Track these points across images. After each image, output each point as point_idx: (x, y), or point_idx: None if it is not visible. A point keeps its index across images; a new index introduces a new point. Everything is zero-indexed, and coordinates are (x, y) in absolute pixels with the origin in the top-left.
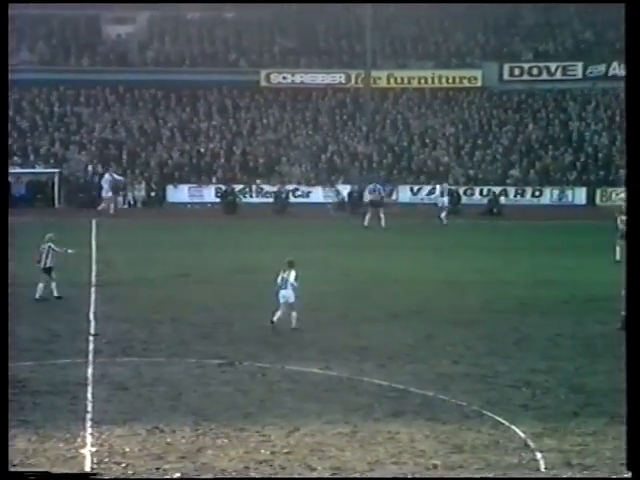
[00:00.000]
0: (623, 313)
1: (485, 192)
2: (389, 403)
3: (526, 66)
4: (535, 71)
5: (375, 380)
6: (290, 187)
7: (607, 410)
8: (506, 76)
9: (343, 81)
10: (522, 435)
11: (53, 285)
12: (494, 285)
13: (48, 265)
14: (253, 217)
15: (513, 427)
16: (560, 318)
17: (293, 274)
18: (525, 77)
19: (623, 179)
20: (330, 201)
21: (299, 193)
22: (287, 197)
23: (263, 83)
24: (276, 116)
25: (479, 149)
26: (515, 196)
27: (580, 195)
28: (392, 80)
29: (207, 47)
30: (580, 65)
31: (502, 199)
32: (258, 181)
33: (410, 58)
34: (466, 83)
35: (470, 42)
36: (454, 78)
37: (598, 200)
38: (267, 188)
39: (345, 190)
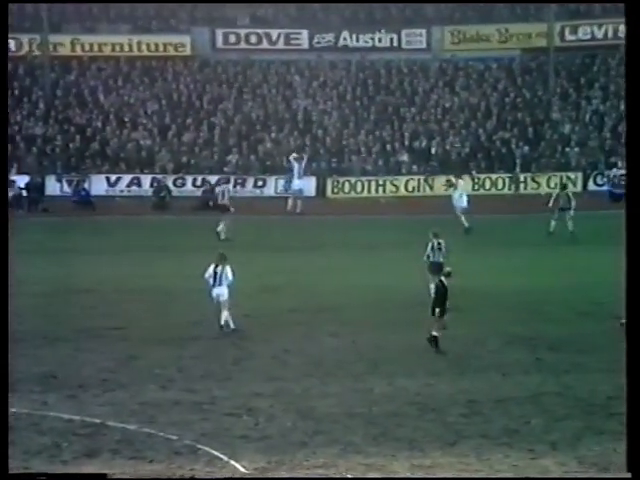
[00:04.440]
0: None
1: (199, 182)
2: (81, 441)
3: (242, 32)
4: (253, 39)
5: (63, 415)
6: None
7: (339, 438)
8: (219, 44)
9: (13, 48)
10: (243, 471)
11: None
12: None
13: None
14: None
15: (233, 462)
16: (287, 331)
17: (229, 269)
18: (242, 45)
19: (357, 167)
20: None
21: None
22: None
23: None
24: None
25: (190, 130)
26: (234, 186)
27: (309, 185)
28: (77, 47)
29: None
30: (305, 33)
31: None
32: None
33: (100, 21)
34: (172, 51)
35: (174, 3)
36: (156, 45)
37: (329, 191)
38: None
39: (22, 182)
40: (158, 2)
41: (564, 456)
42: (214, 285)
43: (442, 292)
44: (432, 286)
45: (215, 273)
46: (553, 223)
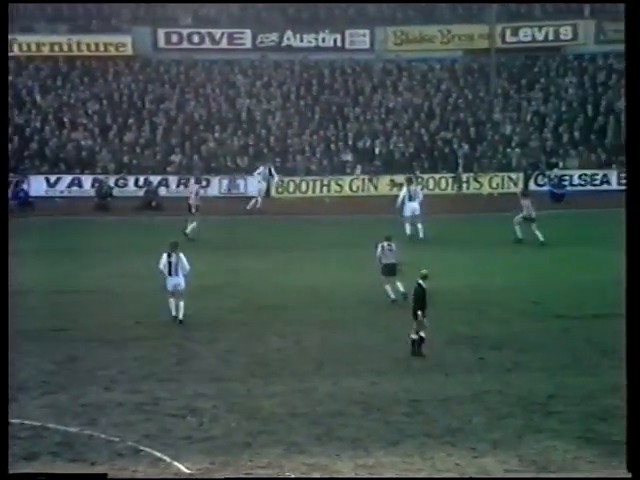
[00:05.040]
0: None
1: (141, 182)
2: (20, 445)
3: (185, 32)
4: (196, 38)
5: None
6: None
7: (283, 438)
8: (161, 43)
9: None
10: (187, 472)
11: None
12: (154, 293)
13: None
14: None
15: (176, 463)
16: (231, 331)
17: (183, 258)
18: (185, 45)
19: (301, 167)
20: None
21: None
22: None
23: None
24: None
25: (131, 130)
26: (177, 187)
27: (253, 185)
28: (15, 47)
29: None
30: (249, 33)
31: (162, 190)
32: None
33: (38, 20)
34: (112, 51)
35: (115, 3)
36: (97, 45)
37: (273, 191)
38: None
39: None
40: (106, 2)
41: (505, 454)
42: (170, 275)
43: (421, 295)
44: (387, 287)
45: (170, 263)
46: (518, 228)
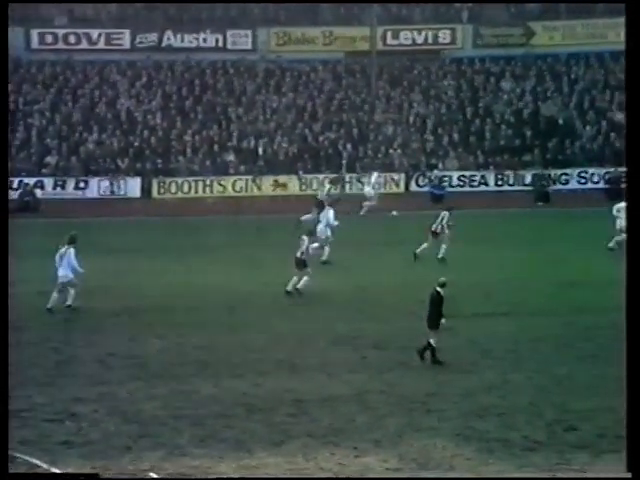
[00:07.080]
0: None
1: (16, 185)
2: None
3: (60, 32)
4: (72, 39)
5: None
6: None
7: (165, 441)
8: (35, 44)
9: None
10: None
11: None
12: (31, 298)
13: None
14: None
15: (54, 469)
16: (112, 334)
17: (72, 252)
18: (60, 45)
19: (183, 168)
20: None
21: None
22: None
23: None
24: None
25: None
26: (54, 188)
27: (133, 186)
28: None
29: None
30: (127, 33)
31: (38, 192)
32: None
33: None
34: None
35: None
36: None
37: (155, 192)
38: None
39: None
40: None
41: (386, 453)
42: (59, 266)
43: (437, 302)
44: (294, 278)
45: (61, 256)
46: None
